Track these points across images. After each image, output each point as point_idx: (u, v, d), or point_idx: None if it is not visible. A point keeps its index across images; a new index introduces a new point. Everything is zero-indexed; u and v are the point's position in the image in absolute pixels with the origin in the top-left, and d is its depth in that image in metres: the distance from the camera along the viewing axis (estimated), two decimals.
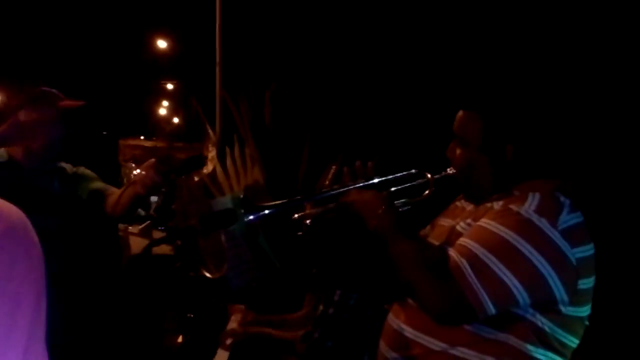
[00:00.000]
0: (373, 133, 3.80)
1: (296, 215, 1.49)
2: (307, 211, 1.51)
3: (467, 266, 1.18)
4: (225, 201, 2.11)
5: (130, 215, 2.22)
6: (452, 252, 1.23)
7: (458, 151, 1.39)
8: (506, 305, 1.20)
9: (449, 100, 1.49)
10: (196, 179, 5.03)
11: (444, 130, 1.47)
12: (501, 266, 1.17)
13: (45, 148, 2.08)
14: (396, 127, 3.84)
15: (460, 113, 1.38)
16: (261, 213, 1.53)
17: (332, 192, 1.46)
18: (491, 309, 1.18)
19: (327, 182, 3.84)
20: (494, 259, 1.18)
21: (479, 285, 1.17)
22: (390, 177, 1.46)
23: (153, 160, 1.99)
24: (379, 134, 3.79)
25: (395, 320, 1.41)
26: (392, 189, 1.44)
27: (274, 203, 1.49)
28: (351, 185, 1.45)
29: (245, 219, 1.70)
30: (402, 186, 1.45)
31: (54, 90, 2.14)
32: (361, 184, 1.45)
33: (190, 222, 1.83)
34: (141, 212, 6.37)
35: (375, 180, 1.45)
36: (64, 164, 2.22)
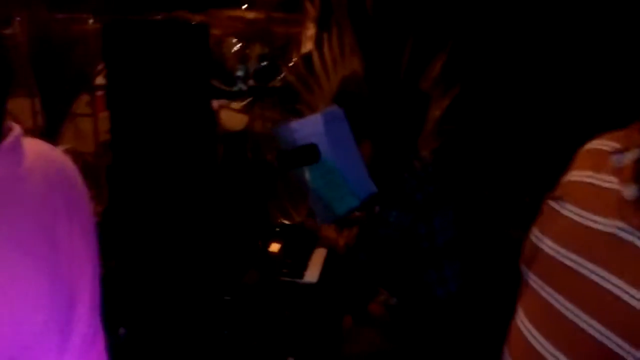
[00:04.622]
0: (486, 20, 3.29)
1: None
2: None
3: None
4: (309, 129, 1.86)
5: None
6: None
7: None
8: None
9: None
10: (294, 59, 4.78)
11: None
12: None
13: None
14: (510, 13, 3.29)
15: None
16: None
17: None
18: None
19: (433, 76, 3.47)
20: None
21: None
22: None
23: None
24: (492, 22, 3.28)
25: (528, 327, 1.03)
26: None
27: None
28: None
29: None
30: None
31: None
32: None
33: (267, 156, 1.64)
34: (242, 87, 6.30)
35: None
36: None
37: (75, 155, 3.14)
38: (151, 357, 2.17)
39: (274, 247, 2.30)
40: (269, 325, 2.17)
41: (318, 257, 2.37)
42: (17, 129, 0.89)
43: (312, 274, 2.26)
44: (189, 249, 2.46)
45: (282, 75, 4.89)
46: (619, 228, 0.88)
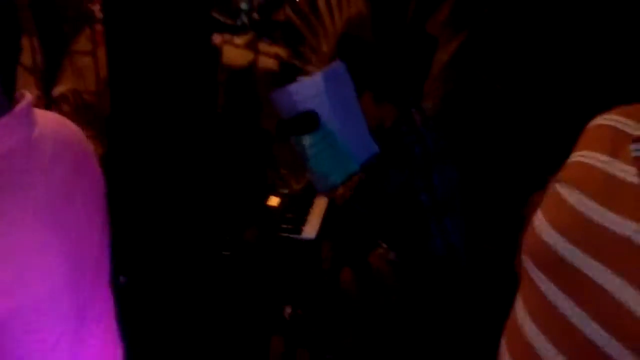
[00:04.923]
0: None
1: None
2: None
3: None
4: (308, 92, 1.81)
5: None
6: None
7: None
8: None
9: None
10: None
11: None
12: None
13: None
14: None
15: None
16: None
17: None
18: None
19: (441, 19, 3.37)
20: None
21: None
22: None
23: None
24: None
25: (525, 321, 0.95)
26: None
27: None
28: None
29: None
30: None
31: None
32: None
33: (265, 124, 1.62)
34: (246, 21, 6.14)
35: None
36: None
37: (75, 94, 3.10)
38: (151, 304, 2.22)
39: (273, 201, 2.31)
40: (267, 276, 2.21)
41: (318, 210, 2.38)
42: (28, 97, 0.91)
43: (310, 229, 2.28)
44: (187, 194, 2.46)
45: (285, 10, 4.74)
46: (636, 231, 0.76)
